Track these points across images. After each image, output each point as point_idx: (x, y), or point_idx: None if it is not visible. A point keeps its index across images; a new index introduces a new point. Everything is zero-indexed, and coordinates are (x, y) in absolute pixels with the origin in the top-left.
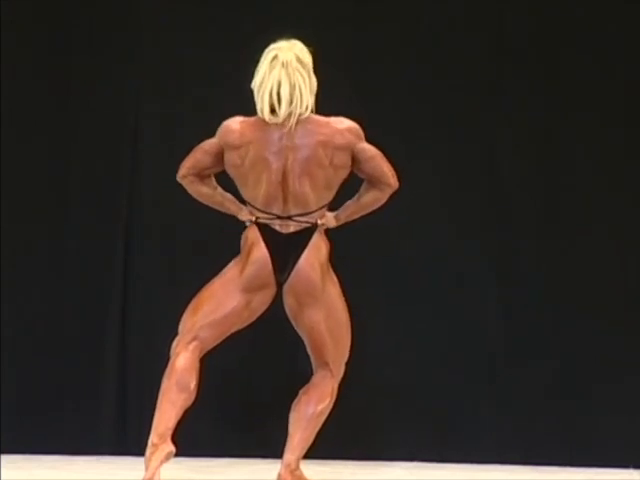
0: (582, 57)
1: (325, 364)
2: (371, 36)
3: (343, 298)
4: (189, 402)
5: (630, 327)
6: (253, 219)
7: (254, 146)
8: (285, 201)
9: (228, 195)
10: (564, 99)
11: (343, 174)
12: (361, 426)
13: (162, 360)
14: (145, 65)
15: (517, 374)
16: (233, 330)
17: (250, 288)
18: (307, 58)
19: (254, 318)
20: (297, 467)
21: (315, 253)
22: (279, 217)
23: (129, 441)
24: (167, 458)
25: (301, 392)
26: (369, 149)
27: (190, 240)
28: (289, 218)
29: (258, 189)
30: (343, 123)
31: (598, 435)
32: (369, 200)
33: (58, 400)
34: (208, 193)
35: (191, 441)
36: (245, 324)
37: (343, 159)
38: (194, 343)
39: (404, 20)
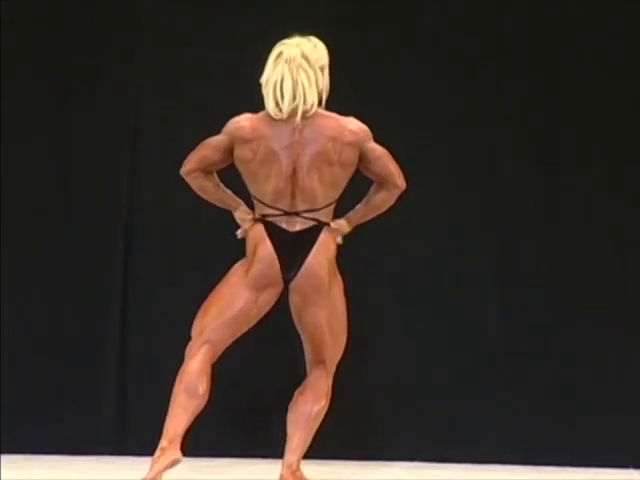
0: (582, 57)
1: (321, 362)
2: (371, 36)
3: (344, 297)
4: (200, 407)
5: (630, 327)
6: (250, 217)
7: (265, 140)
8: (293, 196)
9: (229, 191)
10: (564, 99)
11: (349, 172)
12: (361, 426)
13: (162, 360)
14: (145, 65)
15: (517, 374)
16: (244, 330)
17: (257, 286)
18: (316, 55)
19: (262, 316)
20: (298, 468)
21: (323, 251)
22: (286, 213)
23: (129, 441)
24: (172, 464)
25: (297, 392)
26: (377, 149)
27: (190, 240)
28: (296, 214)
29: (267, 184)
30: (353, 123)
31: (598, 435)
32: (378, 202)
33: (58, 400)
34: (211, 188)
35: (191, 441)
36: (253, 323)
37: (351, 156)
38: (205, 346)
39: (404, 20)
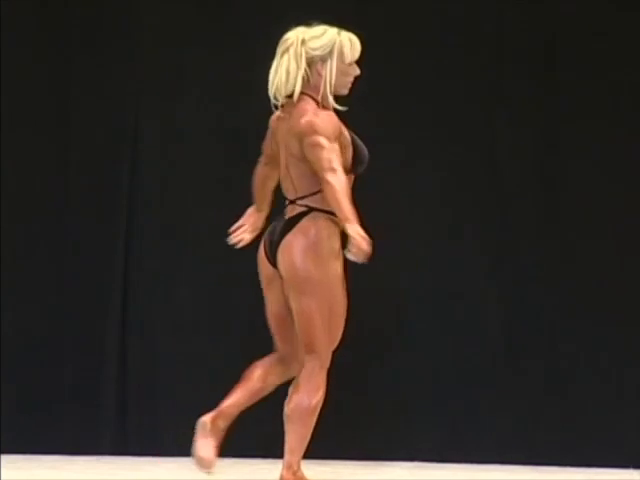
0: (582, 57)
1: (313, 352)
2: (371, 36)
3: (343, 285)
4: (253, 390)
5: (630, 327)
6: (246, 222)
7: (277, 131)
8: (292, 184)
9: (268, 196)
10: (564, 99)
11: (306, 164)
12: (361, 426)
13: (162, 360)
14: (145, 65)
15: (517, 374)
16: (288, 329)
17: (265, 287)
18: (315, 43)
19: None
20: (299, 467)
21: (299, 235)
22: (291, 202)
23: (129, 441)
24: (200, 425)
25: (291, 388)
26: (315, 140)
27: (190, 240)
28: (294, 202)
29: (280, 174)
30: (311, 115)
31: (598, 435)
32: (326, 199)
33: (58, 400)
34: (259, 181)
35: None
36: (290, 319)
37: (296, 147)
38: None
39: (404, 20)
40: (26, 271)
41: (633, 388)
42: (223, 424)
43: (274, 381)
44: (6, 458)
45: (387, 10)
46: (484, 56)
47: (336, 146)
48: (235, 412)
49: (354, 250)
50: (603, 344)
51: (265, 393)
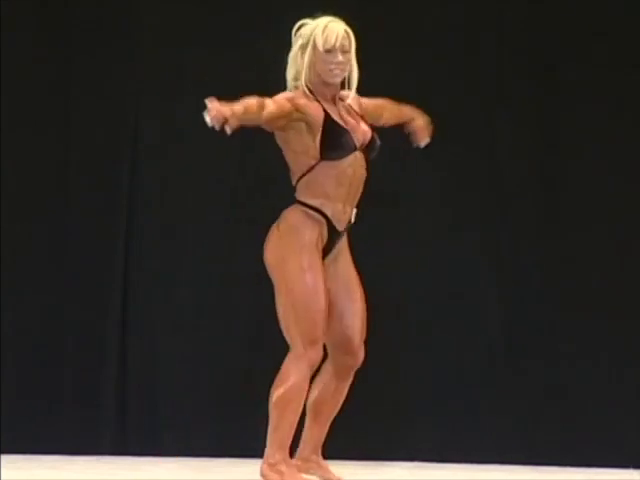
0: (582, 57)
1: (289, 341)
2: (371, 36)
3: (315, 279)
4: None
5: (630, 327)
6: None
7: None
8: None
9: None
10: (564, 99)
11: (285, 149)
12: (361, 426)
13: (162, 360)
14: (145, 65)
15: (517, 374)
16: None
17: None
18: (302, 32)
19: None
20: (279, 461)
21: (273, 228)
22: None
23: (129, 441)
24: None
25: None
26: None
27: (190, 240)
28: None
29: None
30: None
31: (598, 435)
32: None
33: (58, 400)
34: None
35: (191, 441)
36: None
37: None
38: None
39: (404, 20)
40: (26, 271)
41: (633, 388)
42: (310, 452)
43: (324, 377)
44: (6, 458)
45: (387, 10)
46: (484, 56)
47: (285, 104)
48: (312, 434)
49: (208, 107)
50: (603, 344)
51: (330, 393)
